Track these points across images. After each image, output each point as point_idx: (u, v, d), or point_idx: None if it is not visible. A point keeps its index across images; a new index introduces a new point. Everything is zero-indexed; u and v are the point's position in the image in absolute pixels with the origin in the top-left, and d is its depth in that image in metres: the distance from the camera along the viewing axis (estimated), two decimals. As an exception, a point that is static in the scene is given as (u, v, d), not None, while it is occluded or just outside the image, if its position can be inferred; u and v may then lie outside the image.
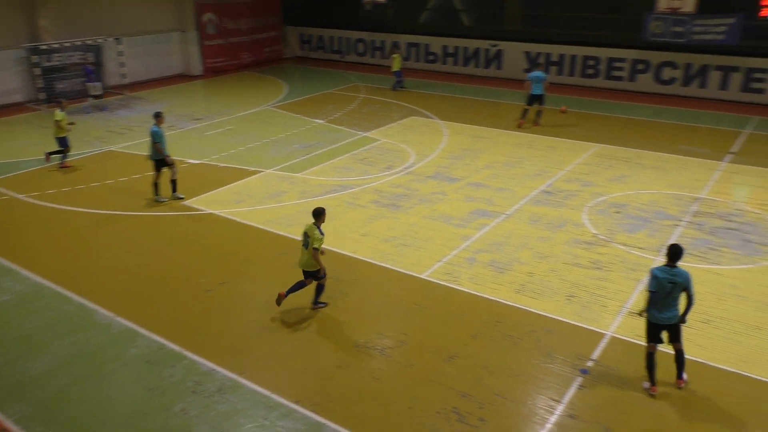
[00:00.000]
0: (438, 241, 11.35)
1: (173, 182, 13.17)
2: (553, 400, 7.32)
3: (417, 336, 8.58)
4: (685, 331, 8.47)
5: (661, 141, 17.27)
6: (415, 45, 28.18)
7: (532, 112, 18.61)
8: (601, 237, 11.44)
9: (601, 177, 14.47)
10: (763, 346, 8.22)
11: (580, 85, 24.25)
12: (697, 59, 21.94)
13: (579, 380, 7.63)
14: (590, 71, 24.21)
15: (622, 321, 8.81)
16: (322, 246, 8.66)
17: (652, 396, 7.38)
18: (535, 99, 18.11)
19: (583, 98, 21.46)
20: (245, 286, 9.87)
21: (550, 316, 8.98)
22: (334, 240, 10.86)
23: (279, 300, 8.94)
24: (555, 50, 24.74)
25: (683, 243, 10.99)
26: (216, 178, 14.51)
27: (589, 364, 7.92)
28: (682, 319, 7.29)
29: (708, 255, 10.68)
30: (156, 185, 13.09)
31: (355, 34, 29.76)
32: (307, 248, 8.72)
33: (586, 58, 24.12)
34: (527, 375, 7.77)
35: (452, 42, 27.20)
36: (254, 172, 14.88)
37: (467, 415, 7.08)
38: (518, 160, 15.67)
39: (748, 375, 7.68)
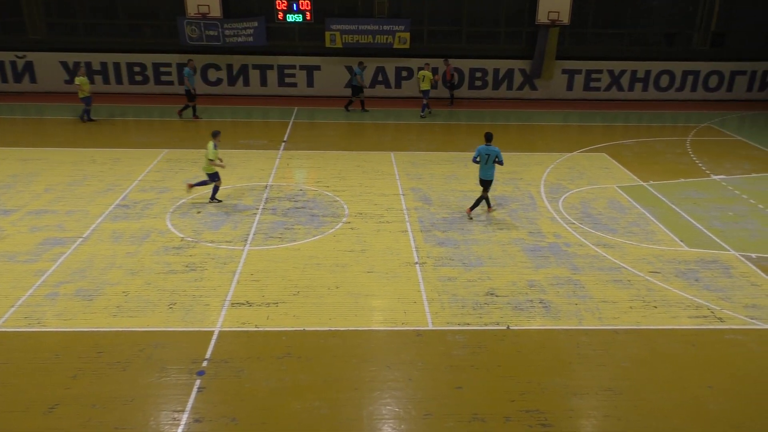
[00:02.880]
0: (6, 283, 9.71)
1: None
2: (177, 411, 7.13)
3: (1, 398, 7.24)
4: (282, 306, 9.29)
5: (224, 138, 18.13)
6: None
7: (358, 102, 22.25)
8: (188, 239, 11.49)
9: (175, 181, 14.47)
10: (342, 301, 9.56)
11: (131, 92, 23.64)
12: (237, 60, 23.69)
13: (198, 383, 7.61)
14: (138, 77, 23.77)
15: (226, 314, 9.08)
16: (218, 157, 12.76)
17: (469, 216, 12.66)
18: (356, 90, 21.92)
19: (138, 105, 20.96)
20: None
21: (156, 329, 8.66)
22: None
23: (188, 188, 13.23)
24: (96, 58, 23.40)
25: (263, 228, 11.95)
26: None
27: (205, 364, 7.96)
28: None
29: (285, 235, 11.80)
30: None
31: None
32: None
33: (131, 64, 23.54)
34: (144, 397, 7.36)
35: (-36, 54, 23.21)
36: None
37: (88, 463, 6.36)
38: (83, 178, 14.47)
39: (337, 329, 8.83)
